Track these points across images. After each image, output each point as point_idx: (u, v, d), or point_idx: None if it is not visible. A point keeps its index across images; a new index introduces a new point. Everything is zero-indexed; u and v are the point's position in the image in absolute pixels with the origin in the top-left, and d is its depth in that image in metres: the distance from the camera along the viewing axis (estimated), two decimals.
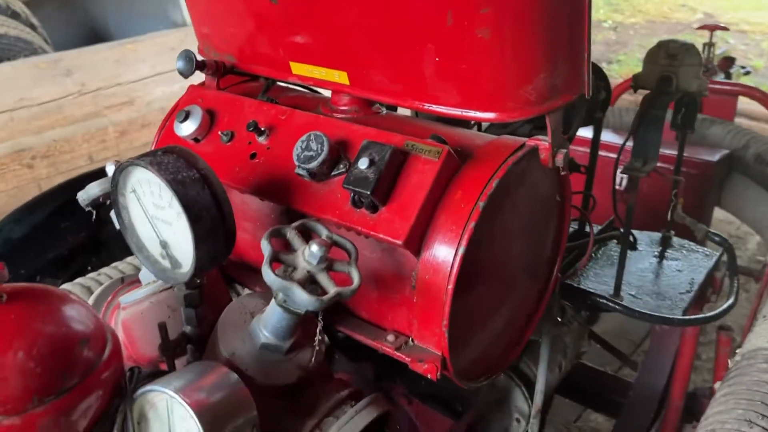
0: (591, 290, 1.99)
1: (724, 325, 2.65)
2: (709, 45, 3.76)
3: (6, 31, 4.93)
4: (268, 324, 1.16)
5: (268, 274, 1.02)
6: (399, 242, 1.14)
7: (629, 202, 1.95)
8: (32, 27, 5.32)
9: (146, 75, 5.19)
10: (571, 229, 2.54)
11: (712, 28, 3.76)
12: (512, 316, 1.48)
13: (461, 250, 1.14)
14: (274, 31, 1.38)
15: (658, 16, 11.75)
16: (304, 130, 1.28)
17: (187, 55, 1.45)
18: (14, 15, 5.13)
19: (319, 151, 1.20)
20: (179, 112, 1.42)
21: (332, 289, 1.05)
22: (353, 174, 1.16)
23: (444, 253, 1.15)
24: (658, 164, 3.12)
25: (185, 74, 1.45)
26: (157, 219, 1.14)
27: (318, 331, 1.17)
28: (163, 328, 1.19)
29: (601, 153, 3.31)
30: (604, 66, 8.59)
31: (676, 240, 2.46)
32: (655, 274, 2.26)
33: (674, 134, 3.54)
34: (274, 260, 1.04)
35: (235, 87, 1.59)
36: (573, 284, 2.01)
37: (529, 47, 1.11)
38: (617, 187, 3.29)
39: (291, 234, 1.11)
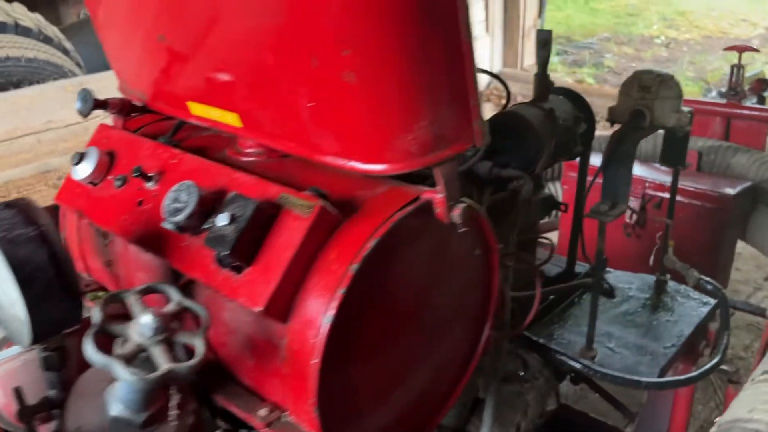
0: (553, 347, 1.81)
1: (732, 376, 2.41)
2: (738, 67, 3.50)
3: (36, 55, 5.06)
4: (119, 394, 1.05)
5: (86, 348, 0.91)
6: (258, 309, 1.02)
7: (599, 248, 1.77)
8: (64, 51, 5.45)
9: None
10: (558, 269, 2.37)
11: (741, 48, 3.50)
12: (432, 379, 1.34)
13: (328, 320, 1.01)
14: (168, 69, 1.29)
15: (715, 32, 11.26)
16: (190, 176, 1.18)
17: (84, 95, 1.37)
18: (46, 39, 5.26)
19: (187, 203, 1.09)
20: (74, 154, 1.34)
21: (163, 366, 0.93)
22: (213, 231, 1.05)
23: (311, 323, 1.03)
24: (678, 198, 2.94)
25: (83, 114, 1.38)
26: None
27: (173, 405, 1.06)
28: (17, 392, 1.10)
29: None
30: None
31: (672, 285, 2.25)
32: (642, 324, 2.05)
33: (695, 164, 3.32)
34: (101, 331, 0.94)
35: (153, 125, 1.51)
36: (531, 337, 1.84)
37: (399, 93, 0.98)
38: (627, 220, 3.11)
39: (133, 299, 1.00)
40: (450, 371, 1.38)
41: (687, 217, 2.92)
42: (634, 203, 3.04)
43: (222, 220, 1.04)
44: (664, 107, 1.74)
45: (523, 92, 7.70)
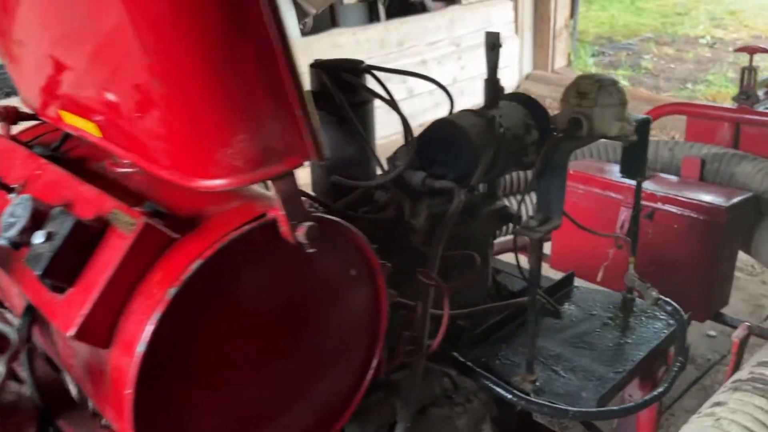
0: (481, 372, 1.70)
1: None
2: (749, 69, 3.28)
3: None
4: None
5: None
6: (69, 333, 0.96)
7: (532, 267, 1.65)
8: None
9: None
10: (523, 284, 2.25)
11: (753, 50, 3.28)
12: (311, 407, 1.25)
13: (141, 347, 0.94)
14: (36, 77, 1.24)
15: (766, 31, 10.75)
16: (46, 188, 1.13)
17: None
18: None
19: (19, 218, 1.04)
20: None
21: None
22: (32, 249, 0.99)
23: (128, 350, 0.96)
24: (670, 209, 2.76)
25: None
26: None
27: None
28: None
29: (611, 194, 2.99)
30: (688, 87, 7.92)
31: (640, 304, 2.10)
32: (597, 346, 1.92)
33: (698, 173, 3.12)
34: None
35: (49, 135, 1.47)
36: (459, 358, 1.73)
37: (208, 104, 0.90)
38: (617, 230, 2.94)
39: None
40: (336, 398, 1.30)
41: (680, 229, 2.74)
42: (625, 213, 2.88)
43: (38, 237, 0.98)
44: (604, 115, 1.60)
45: (552, 95, 7.50)
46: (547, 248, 3.38)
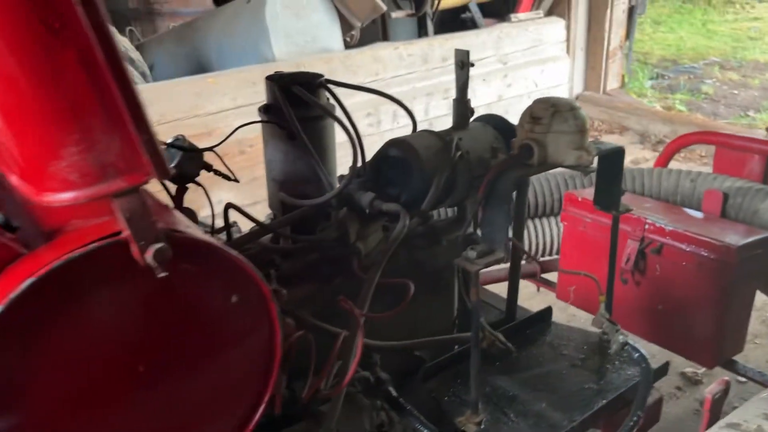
0: (409, 409, 1.59)
1: None
2: None
3: None
4: None
5: None
6: None
7: (472, 300, 1.53)
8: (130, 61, 5.70)
9: (226, 107, 5.35)
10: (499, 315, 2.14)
11: None
12: None
13: None
14: None
15: None
16: None
17: None
18: None
19: None
20: None
21: None
22: None
23: None
24: (679, 245, 2.57)
25: None
26: None
27: None
28: None
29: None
30: (749, 115, 7.50)
31: (621, 346, 1.94)
32: (558, 389, 1.78)
33: (719, 207, 2.91)
34: None
35: None
36: (390, 392, 1.63)
37: (29, 112, 0.85)
38: (623, 265, 2.76)
39: None
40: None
41: (689, 267, 2.55)
42: (632, 246, 2.70)
43: None
44: (558, 142, 1.48)
45: (602, 117, 7.25)
46: (554, 277, 3.23)
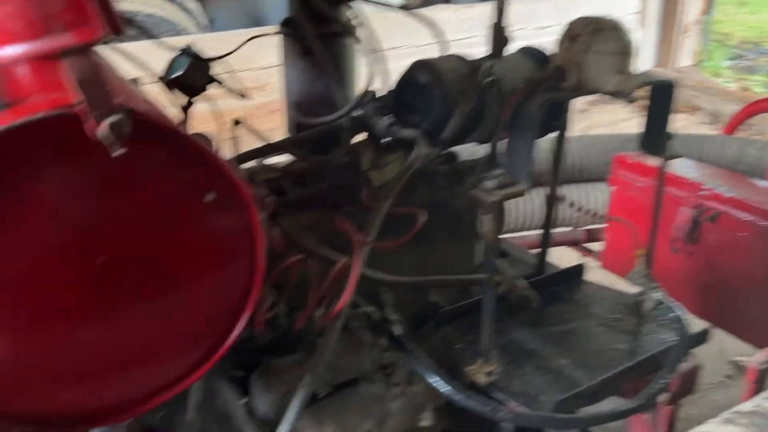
0: (409, 348, 1.46)
1: None
2: None
3: (154, 11, 5.32)
4: None
5: None
6: None
7: (488, 238, 1.38)
8: (186, 11, 5.69)
9: (276, 63, 5.29)
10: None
11: None
12: (161, 356, 1.09)
13: None
14: None
15: None
16: None
17: None
18: None
19: None
20: None
21: None
22: None
23: None
24: (736, 213, 2.35)
25: None
26: None
27: None
28: None
29: (671, 190, 2.60)
30: None
31: (664, 307, 1.75)
32: (583, 349, 1.62)
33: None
34: None
35: None
36: (392, 331, 1.50)
37: None
38: (674, 233, 2.54)
39: None
40: (196, 347, 1.13)
41: (746, 238, 2.32)
42: (685, 213, 2.49)
43: None
44: (599, 65, 1.31)
45: None
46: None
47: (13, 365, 0.97)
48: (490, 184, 1.33)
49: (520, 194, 1.34)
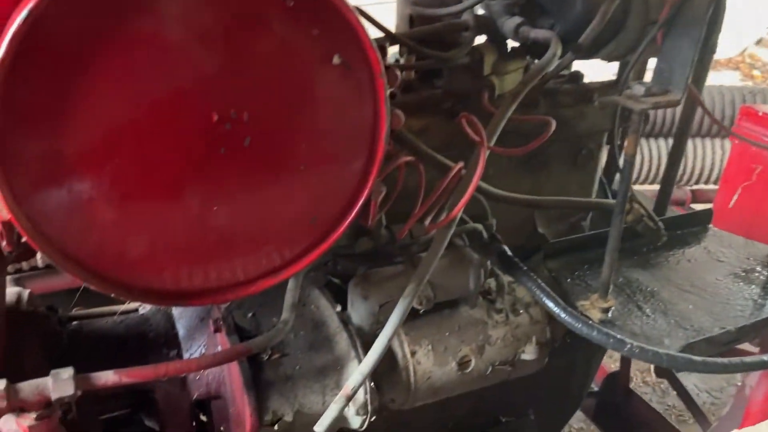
0: (526, 272, 1.33)
1: None
2: None
3: None
4: None
5: None
6: None
7: (627, 153, 1.22)
8: None
9: None
10: None
11: None
12: (265, 237, 1.00)
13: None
14: None
15: None
16: None
17: None
18: None
19: None
20: None
21: None
22: None
23: None
24: None
25: None
26: None
27: None
28: None
29: None
30: None
31: None
32: (709, 296, 1.46)
33: None
34: None
35: None
36: (505, 250, 1.37)
37: None
38: None
39: None
40: (299, 232, 1.02)
41: None
42: None
43: None
44: None
45: None
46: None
47: (128, 236, 0.89)
48: (639, 89, 1.17)
49: (675, 104, 1.17)
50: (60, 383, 1.04)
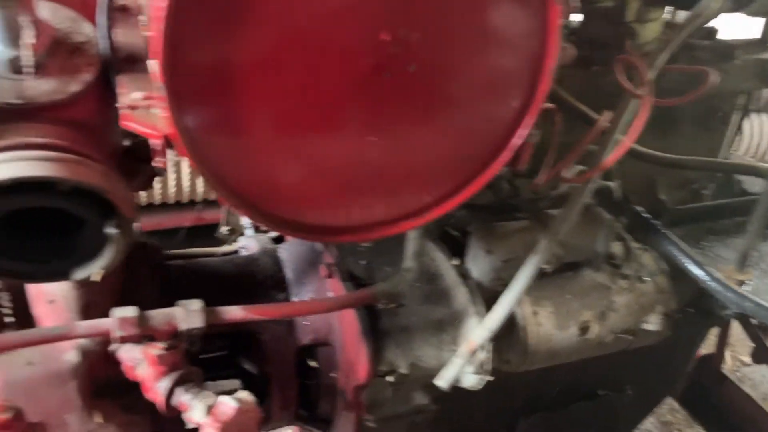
0: (667, 235, 1.24)
1: None
2: None
3: None
4: None
5: None
6: None
7: None
8: None
9: None
10: None
11: None
12: (422, 169, 0.94)
13: None
14: None
15: None
16: None
17: None
18: None
19: None
20: None
21: None
22: None
23: None
24: None
25: None
26: None
27: None
28: None
29: None
30: None
31: None
32: None
33: None
34: None
35: None
36: (639, 211, 1.28)
37: None
38: None
39: None
40: (456, 164, 0.96)
41: None
42: None
43: None
44: None
45: None
46: None
47: (282, 164, 0.85)
48: None
49: None
50: (190, 315, 1.01)
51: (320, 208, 0.90)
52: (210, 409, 0.97)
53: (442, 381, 1.12)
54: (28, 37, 0.85)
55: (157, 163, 0.80)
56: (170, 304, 1.04)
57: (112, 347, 1.06)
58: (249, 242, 1.54)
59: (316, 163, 0.86)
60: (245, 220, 1.65)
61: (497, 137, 0.94)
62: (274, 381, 1.34)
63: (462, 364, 1.11)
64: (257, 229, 1.65)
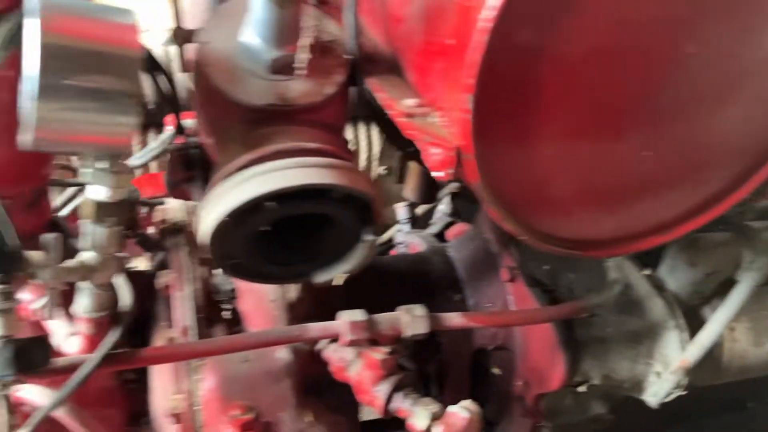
0: None
1: None
2: None
3: None
4: (252, 16, 0.85)
5: None
6: None
7: None
8: None
9: None
10: None
11: None
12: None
13: None
14: None
15: None
16: None
17: None
18: None
19: None
20: None
21: None
22: None
23: None
24: None
25: None
26: None
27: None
28: None
29: None
30: None
31: None
32: None
33: None
34: None
35: None
36: None
37: None
38: None
39: None
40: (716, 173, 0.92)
41: None
42: None
43: None
44: None
45: None
46: None
47: (559, 178, 0.82)
48: None
49: None
50: (415, 320, 1.00)
51: (590, 221, 0.87)
52: (434, 417, 0.96)
53: (654, 398, 1.10)
54: (306, 38, 0.84)
55: (445, 176, 0.78)
56: (356, 300, 1.02)
57: (318, 346, 1.05)
58: (410, 238, 1.52)
59: (590, 175, 0.83)
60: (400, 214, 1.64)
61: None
62: (448, 383, 1.33)
63: (676, 381, 1.09)
64: (413, 225, 1.64)
